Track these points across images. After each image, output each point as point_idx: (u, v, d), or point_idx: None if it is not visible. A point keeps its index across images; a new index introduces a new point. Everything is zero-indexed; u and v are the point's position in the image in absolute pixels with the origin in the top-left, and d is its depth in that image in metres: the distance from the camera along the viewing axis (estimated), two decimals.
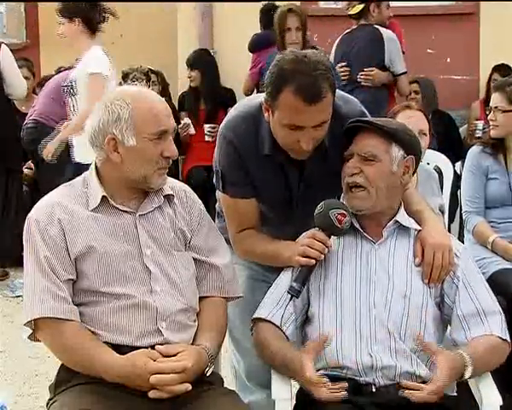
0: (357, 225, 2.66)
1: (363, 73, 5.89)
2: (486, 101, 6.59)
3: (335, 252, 2.64)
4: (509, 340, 2.57)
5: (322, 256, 2.59)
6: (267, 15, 6.60)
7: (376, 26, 5.97)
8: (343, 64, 5.95)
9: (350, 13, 6.09)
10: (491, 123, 4.03)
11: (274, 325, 2.63)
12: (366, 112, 2.82)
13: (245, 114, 2.78)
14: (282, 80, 2.54)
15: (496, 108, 3.98)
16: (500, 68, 6.99)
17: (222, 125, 2.83)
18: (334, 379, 2.50)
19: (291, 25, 5.52)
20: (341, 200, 2.72)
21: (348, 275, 2.61)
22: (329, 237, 2.61)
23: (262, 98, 2.70)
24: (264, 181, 2.78)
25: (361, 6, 6.01)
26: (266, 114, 2.65)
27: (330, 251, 2.62)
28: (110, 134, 2.49)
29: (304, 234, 2.67)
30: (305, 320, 2.68)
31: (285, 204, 2.85)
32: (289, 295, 2.59)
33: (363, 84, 5.81)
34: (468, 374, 2.45)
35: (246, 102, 2.86)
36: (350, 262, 2.62)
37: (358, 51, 5.96)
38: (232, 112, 2.83)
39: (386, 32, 5.95)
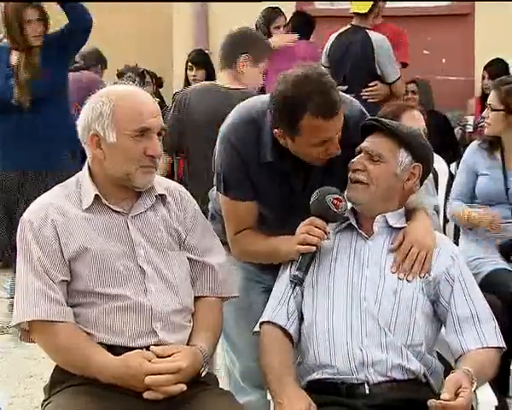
0: (354, 223, 2.67)
1: (367, 89, 5.85)
2: (482, 97, 6.63)
3: (330, 248, 2.64)
4: (504, 346, 2.56)
5: (322, 242, 2.59)
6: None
7: (368, 31, 5.88)
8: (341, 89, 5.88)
9: (360, 12, 5.96)
10: (485, 121, 4.03)
11: (279, 326, 2.62)
12: (365, 110, 2.82)
13: (247, 117, 2.75)
14: (296, 108, 2.54)
15: (490, 105, 3.99)
16: (492, 63, 6.93)
17: (223, 128, 2.80)
18: (328, 384, 2.51)
19: (31, 17, 5.14)
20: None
21: (341, 269, 2.61)
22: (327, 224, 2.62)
23: (263, 104, 2.69)
24: (265, 187, 2.76)
25: (370, 3, 5.94)
26: (282, 140, 2.64)
27: (329, 238, 2.62)
28: (93, 130, 2.49)
29: (301, 224, 2.66)
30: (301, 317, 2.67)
31: (285, 210, 2.81)
32: (291, 290, 2.60)
33: (369, 101, 5.73)
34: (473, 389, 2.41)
35: (247, 106, 2.81)
36: (343, 257, 2.63)
37: (353, 63, 5.89)
38: (233, 115, 2.80)
39: (376, 40, 5.83)
